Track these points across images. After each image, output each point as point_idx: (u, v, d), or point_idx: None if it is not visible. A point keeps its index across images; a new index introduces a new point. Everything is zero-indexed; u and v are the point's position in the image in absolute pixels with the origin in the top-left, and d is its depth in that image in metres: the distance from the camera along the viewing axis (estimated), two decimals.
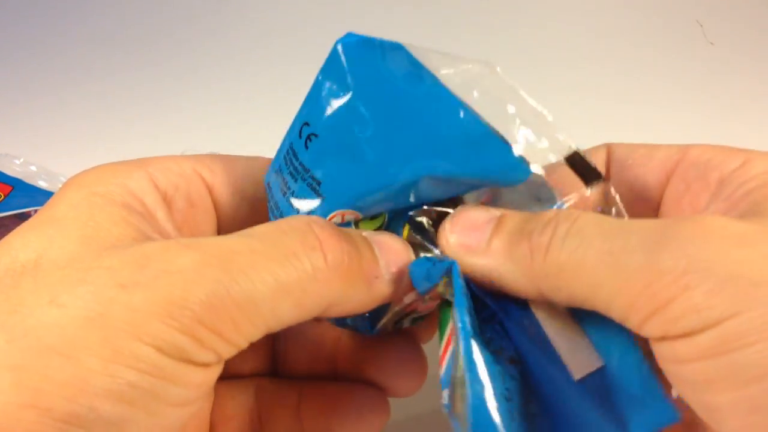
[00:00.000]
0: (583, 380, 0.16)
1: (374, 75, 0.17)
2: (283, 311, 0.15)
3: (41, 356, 0.13)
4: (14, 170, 0.37)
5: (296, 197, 0.18)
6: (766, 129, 0.43)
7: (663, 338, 0.14)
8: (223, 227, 0.20)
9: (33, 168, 0.37)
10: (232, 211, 0.20)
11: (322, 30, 0.53)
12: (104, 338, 0.13)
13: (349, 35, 0.17)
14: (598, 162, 0.20)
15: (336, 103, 0.17)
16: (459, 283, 0.17)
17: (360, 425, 0.21)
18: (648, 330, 0.14)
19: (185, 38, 0.53)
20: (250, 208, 0.21)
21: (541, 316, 0.17)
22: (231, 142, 0.42)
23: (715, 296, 0.13)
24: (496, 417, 0.15)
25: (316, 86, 0.17)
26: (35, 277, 0.14)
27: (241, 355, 0.16)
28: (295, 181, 0.18)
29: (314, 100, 0.17)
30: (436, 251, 0.18)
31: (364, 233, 0.18)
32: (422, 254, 0.18)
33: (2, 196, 0.35)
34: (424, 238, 0.19)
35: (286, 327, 0.16)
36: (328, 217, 0.18)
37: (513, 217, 0.17)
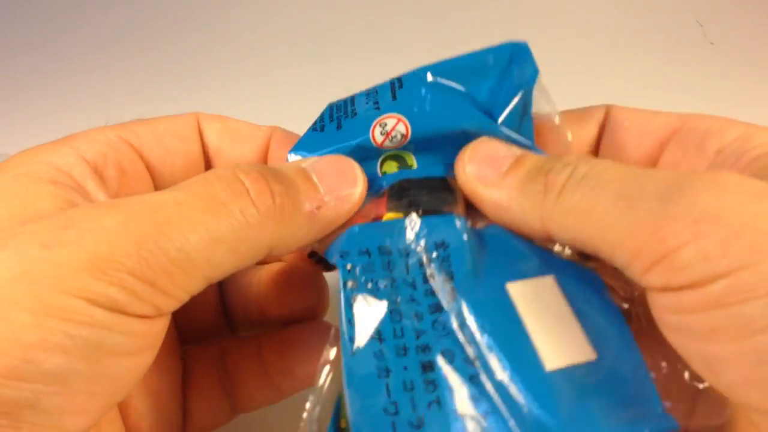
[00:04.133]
0: (560, 371, 0.15)
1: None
2: (218, 259, 0.15)
3: None
4: None
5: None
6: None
7: (666, 287, 0.14)
8: (161, 188, 0.20)
9: None
10: (167, 170, 0.20)
11: (322, 30, 0.53)
12: (31, 293, 0.13)
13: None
14: (592, 123, 0.20)
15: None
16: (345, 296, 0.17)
17: (317, 359, 0.22)
18: (652, 278, 0.14)
19: (186, 39, 0.53)
20: (184, 163, 0.21)
21: (518, 297, 0.16)
22: None
23: (728, 246, 0.13)
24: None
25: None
26: None
27: (199, 317, 0.16)
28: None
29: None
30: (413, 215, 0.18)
31: (304, 163, 0.18)
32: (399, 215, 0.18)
33: None
34: (402, 199, 0.19)
35: (229, 274, 0.16)
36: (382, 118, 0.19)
37: (532, 157, 0.17)
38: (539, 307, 0.16)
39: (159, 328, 0.15)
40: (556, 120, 0.20)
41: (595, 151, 0.21)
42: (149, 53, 0.52)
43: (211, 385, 0.22)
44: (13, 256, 0.14)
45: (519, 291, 0.16)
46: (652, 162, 0.20)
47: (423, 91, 0.19)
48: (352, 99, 0.20)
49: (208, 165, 0.21)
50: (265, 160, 0.21)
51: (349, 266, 0.17)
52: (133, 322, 0.14)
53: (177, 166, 0.20)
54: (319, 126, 0.20)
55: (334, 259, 0.17)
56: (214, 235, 0.15)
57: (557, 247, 0.18)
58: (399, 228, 0.18)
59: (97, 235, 0.14)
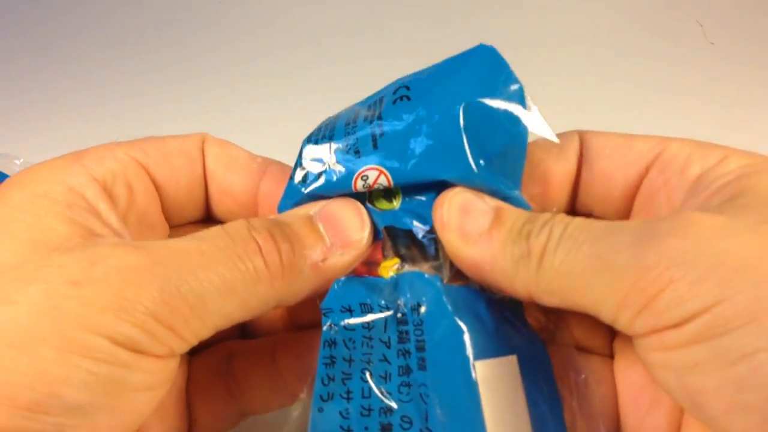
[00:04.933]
0: None
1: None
2: (230, 310, 0.16)
3: None
4: (14, 171, 0.37)
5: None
6: (766, 129, 0.43)
7: (652, 331, 0.14)
8: (166, 207, 0.21)
9: None
10: (172, 188, 0.21)
11: (322, 29, 0.53)
12: (58, 330, 0.14)
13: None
14: (570, 154, 0.20)
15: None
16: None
17: None
18: (637, 327, 0.15)
19: (188, 39, 0.53)
20: (188, 182, 0.21)
21: (482, 377, 0.17)
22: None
23: (698, 286, 0.14)
24: None
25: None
26: None
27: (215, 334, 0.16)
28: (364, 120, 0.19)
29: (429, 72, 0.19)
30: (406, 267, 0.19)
31: (312, 210, 0.18)
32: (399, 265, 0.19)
33: None
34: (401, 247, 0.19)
35: (234, 324, 0.16)
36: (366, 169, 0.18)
37: (511, 213, 0.18)
38: (498, 391, 0.17)
39: (173, 365, 0.16)
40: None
41: (576, 183, 0.21)
42: (152, 55, 0.52)
43: (216, 389, 0.22)
44: (42, 291, 0.14)
45: (484, 372, 0.17)
46: (635, 189, 0.20)
47: (402, 144, 0.18)
48: (331, 140, 0.19)
49: (206, 188, 0.22)
50: (256, 191, 0.21)
51: (330, 324, 0.18)
52: (151, 361, 0.15)
53: (181, 185, 0.21)
54: (301, 176, 0.19)
55: (322, 312, 0.18)
56: (229, 286, 0.16)
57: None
58: (382, 285, 0.18)
59: (124, 276, 0.14)
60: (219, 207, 0.22)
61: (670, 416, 0.18)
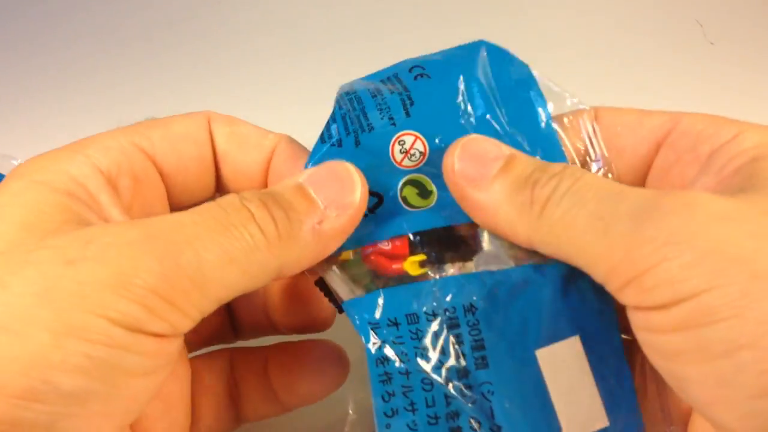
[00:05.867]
0: None
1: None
2: (231, 280, 0.15)
3: None
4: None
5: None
6: None
7: (638, 307, 0.14)
8: (173, 194, 0.21)
9: None
10: (180, 176, 0.20)
11: (328, 28, 0.53)
12: (54, 312, 0.13)
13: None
14: (585, 127, 0.20)
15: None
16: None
17: (321, 378, 0.22)
18: (625, 297, 0.15)
19: (188, 40, 0.53)
20: (197, 168, 0.21)
21: (545, 363, 0.17)
22: None
23: (691, 269, 0.13)
24: None
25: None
26: None
27: (208, 328, 0.16)
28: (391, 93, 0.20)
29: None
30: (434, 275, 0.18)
31: (301, 178, 0.18)
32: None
33: None
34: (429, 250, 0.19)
35: (238, 295, 0.16)
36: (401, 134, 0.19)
37: (521, 161, 0.18)
38: (564, 374, 0.17)
39: (173, 348, 0.16)
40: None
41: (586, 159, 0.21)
42: (154, 52, 0.52)
43: (218, 392, 0.22)
44: (36, 273, 0.14)
45: (547, 358, 0.17)
46: (647, 165, 0.20)
47: (432, 111, 0.19)
48: (363, 110, 0.20)
49: (216, 170, 0.21)
50: (268, 168, 0.21)
51: (378, 342, 0.17)
52: (150, 341, 0.14)
53: (190, 171, 0.20)
54: (335, 140, 0.19)
55: (355, 325, 0.18)
56: (228, 256, 0.15)
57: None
58: (426, 290, 0.18)
59: (120, 250, 0.14)
60: (233, 186, 0.22)
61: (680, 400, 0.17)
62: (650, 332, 0.14)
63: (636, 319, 0.15)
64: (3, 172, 0.37)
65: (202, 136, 0.21)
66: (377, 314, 0.18)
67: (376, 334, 0.17)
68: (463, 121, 0.19)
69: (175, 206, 0.21)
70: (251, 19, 0.54)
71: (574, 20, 0.53)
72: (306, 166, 0.19)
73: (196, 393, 0.21)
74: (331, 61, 0.50)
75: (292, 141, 0.21)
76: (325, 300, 0.20)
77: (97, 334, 0.13)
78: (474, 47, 0.20)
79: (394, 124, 0.19)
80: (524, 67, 0.20)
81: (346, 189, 0.18)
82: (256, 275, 0.16)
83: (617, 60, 0.49)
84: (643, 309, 0.14)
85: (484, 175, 0.17)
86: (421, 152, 0.19)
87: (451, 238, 0.19)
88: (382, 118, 0.19)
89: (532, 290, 0.18)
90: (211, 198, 0.22)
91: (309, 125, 0.22)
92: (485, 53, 0.20)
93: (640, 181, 0.20)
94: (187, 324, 0.15)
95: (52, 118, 0.47)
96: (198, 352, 0.23)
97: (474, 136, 0.18)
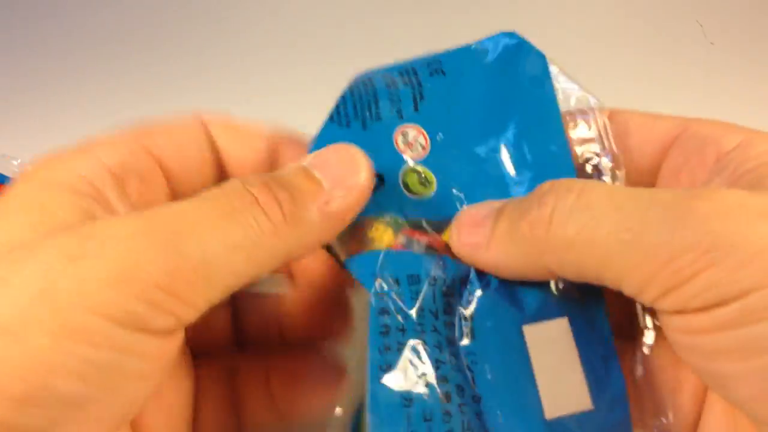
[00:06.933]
0: (558, 420, 0.16)
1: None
2: (237, 267, 0.15)
3: None
4: (12, 171, 0.37)
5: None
6: (766, 129, 0.43)
7: (679, 312, 0.14)
8: (177, 195, 0.20)
9: None
10: (184, 177, 0.20)
11: (325, 28, 0.53)
12: (54, 313, 0.13)
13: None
14: (597, 125, 0.21)
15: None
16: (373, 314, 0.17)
17: (322, 391, 0.22)
18: (664, 304, 0.14)
19: (188, 40, 0.53)
20: (200, 170, 0.21)
21: (532, 340, 0.17)
22: None
23: (740, 270, 0.13)
24: None
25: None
26: None
27: (208, 329, 0.15)
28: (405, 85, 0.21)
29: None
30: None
31: (304, 161, 0.18)
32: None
33: None
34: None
35: (246, 284, 0.16)
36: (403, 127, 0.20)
37: (510, 203, 0.18)
38: (550, 353, 0.17)
39: (174, 346, 0.15)
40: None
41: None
42: (154, 52, 0.52)
43: (220, 402, 0.22)
44: (37, 271, 0.13)
45: (534, 335, 0.17)
46: (656, 167, 0.20)
47: (441, 107, 0.20)
48: (375, 97, 0.20)
49: (220, 169, 0.21)
50: (273, 160, 0.21)
51: (381, 293, 0.17)
52: (151, 340, 0.14)
53: (194, 173, 0.20)
54: (344, 120, 0.20)
55: (357, 277, 0.18)
56: (233, 242, 0.15)
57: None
58: (428, 260, 0.18)
59: (121, 244, 0.14)
60: None
61: (693, 398, 0.17)
62: (689, 334, 0.14)
63: (673, 323, 0.15)
64: (3, 172, 0.37)
65: (202, 138, 0.21)
66: (381, 269, 0.18)
67: (381, 281, 0.18)
68: (465, 123, 0.20)
69: None
70: (251, 19, 0.54)
71: (574, 20, 0.53)
72: (312, 146, 0.19)
73: (197, 402, 0.21)
74: (332, 61, 0.50)
75: (292, 133, 0.21)
76: (342, 311, 0.21)
77: (98, 336, 0.13)
78: (493, 42, 0.21)
79: (401, 116, 0.20)
80: (541, 60, 0.22)
81: (351, 169, 0.18)
82: (262, 261, 0.16)
83: (617, 60, 0.49)
84: (686, 312, 0.14)
85: (482, 234, 0.17)
86: (422, 145, 0.20)
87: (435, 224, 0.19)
88: (391, 109, 0.20)
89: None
90: None
91: (309, 125, 0.22)
92: (502, 48, 0.21)
93: (649, 182, 0.20)
94: (192, 314, 0.15)
95: (52, 118, 0.47)
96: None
97: (465, 207, 0.19)
